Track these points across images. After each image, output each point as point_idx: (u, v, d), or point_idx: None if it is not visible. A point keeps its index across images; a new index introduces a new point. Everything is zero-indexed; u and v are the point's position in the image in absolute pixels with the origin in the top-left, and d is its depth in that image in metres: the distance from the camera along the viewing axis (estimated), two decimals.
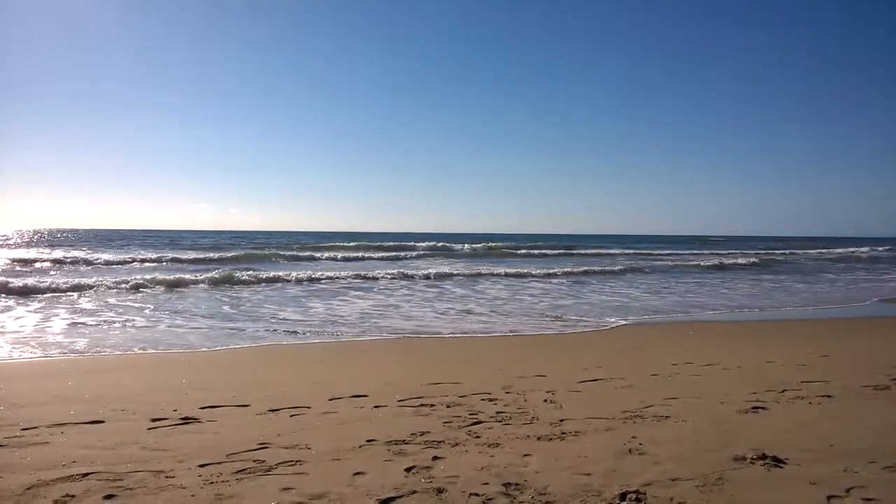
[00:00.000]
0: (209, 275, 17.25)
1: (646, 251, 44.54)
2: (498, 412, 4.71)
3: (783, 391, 5.41)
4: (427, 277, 20.02)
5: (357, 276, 19.63)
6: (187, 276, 17.06)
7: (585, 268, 24.51)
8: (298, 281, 17.85)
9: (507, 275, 21.65)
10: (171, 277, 16.52)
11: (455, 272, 21.81)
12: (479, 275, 21.42)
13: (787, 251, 46.40)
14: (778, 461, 3.49)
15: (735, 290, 17.99)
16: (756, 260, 33.44)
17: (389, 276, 19.94)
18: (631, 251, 44.10)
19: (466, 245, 42.82)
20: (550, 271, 22.83)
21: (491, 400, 5.13)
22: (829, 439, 3.93)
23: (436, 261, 30.84)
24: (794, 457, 3.57)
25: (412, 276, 20.09)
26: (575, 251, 43.60)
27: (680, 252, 43.63)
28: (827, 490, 3.10)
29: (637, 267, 26.34)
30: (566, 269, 23.74)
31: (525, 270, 22.86)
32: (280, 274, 18.67)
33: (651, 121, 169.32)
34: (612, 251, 43.69)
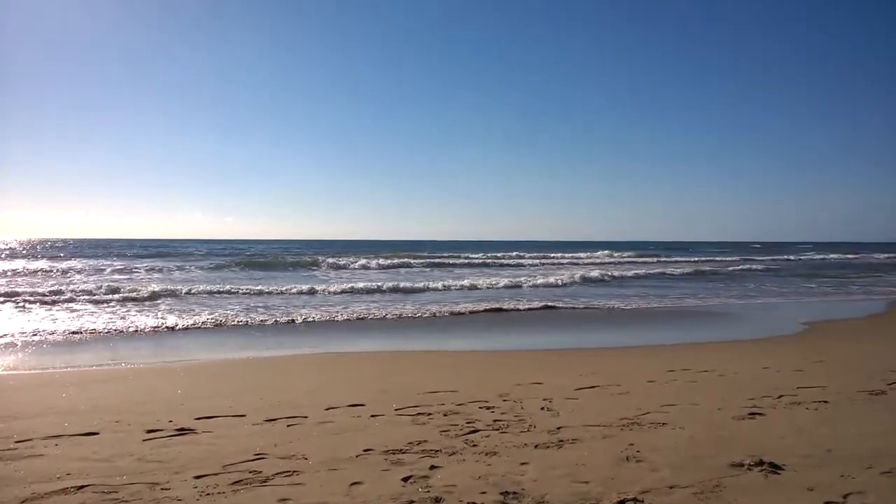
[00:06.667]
0: None
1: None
2: (495, 420, 4.70)
3: (780, 397, 5.41)
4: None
5: None
6: None
7: None
8: None
9: None
10: None
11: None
12: None
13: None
14: (775, 467, 3.49)
15: None
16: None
17: None
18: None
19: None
20: None
21: (488, 408, 5.12)
22: (826, 445, 3.93)
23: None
24: (791, 463, 3.57)
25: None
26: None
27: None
28: (825, 496, 3.10)
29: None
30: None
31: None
32: None
33: (649, 124, 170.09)
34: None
